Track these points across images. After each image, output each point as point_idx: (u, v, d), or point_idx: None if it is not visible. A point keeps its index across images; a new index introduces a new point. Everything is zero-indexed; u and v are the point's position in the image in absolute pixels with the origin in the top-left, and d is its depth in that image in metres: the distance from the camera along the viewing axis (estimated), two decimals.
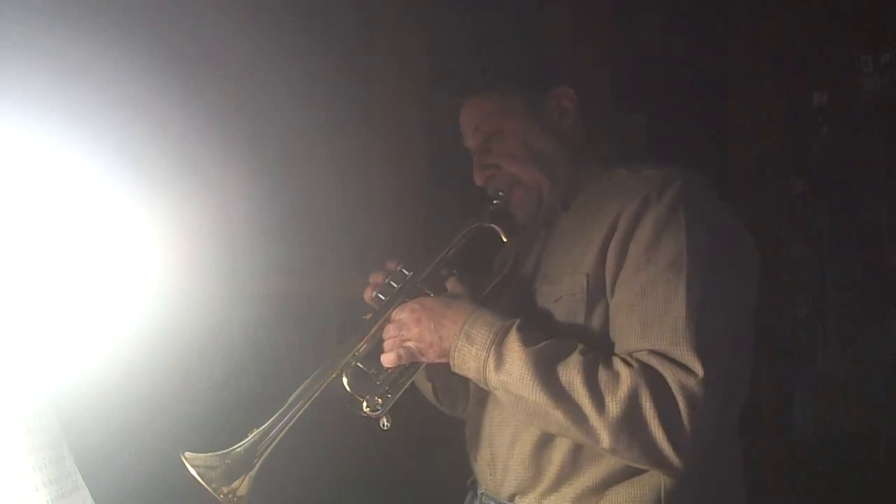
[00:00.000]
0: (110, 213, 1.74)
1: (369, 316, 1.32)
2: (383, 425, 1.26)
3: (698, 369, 1.07)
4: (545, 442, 1.22)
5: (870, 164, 2.11)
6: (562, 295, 1.25)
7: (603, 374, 1.10)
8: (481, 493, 1.36)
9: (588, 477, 1.19)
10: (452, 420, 1.54)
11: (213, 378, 2.06)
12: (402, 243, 2.20)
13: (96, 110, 1.77)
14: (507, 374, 1.14)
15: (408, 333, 1.25)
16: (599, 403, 1.08)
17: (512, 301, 1.36)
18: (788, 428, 2.13)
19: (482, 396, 1.35)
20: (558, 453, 1.21)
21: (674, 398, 1.06)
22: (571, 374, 1.11)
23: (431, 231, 2.19)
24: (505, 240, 1.39)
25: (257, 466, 1.16)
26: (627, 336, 1.15)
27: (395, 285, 1.34)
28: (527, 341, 1.15)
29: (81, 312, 1.62)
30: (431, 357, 1.25)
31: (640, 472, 1.15)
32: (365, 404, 1.25)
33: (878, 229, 2.09)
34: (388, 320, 1.29)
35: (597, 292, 1.21)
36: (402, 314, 1.28)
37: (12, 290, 1.19)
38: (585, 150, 1.39)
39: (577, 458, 1.19)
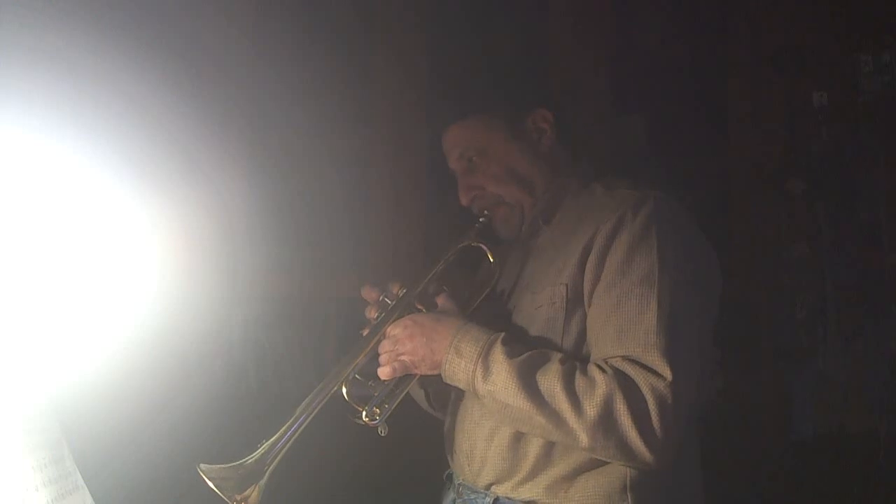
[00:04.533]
0: (110, 214, 1.74)
1: (366, 331, 1.41)
2: (381, 432, 1.35)
3: (667, 373, 1.18)
4: (521, 435, 1.31)
5: (870, 164, 2.11)
6: (543, 303, 1.36)
7: (580, 381, 1.21)
8: (458, 484, 1.44)
9: (560, 467, 1.29)
10: (426, 420, 1.62)
11: (213, 378, 2.06)
12: (402, 244, 2.20)
13: (96, 110, 1.78)
14: (493, 384, 1.24)
15: (402, 348, 1.35)
16: (577, 407, 1.19)
17: (498, 311, 1.45)
18: (788, 428, 2.13)
19: (462, 394, 1.43)
20: (533, 446, 1.30)
21: (644, 400, 1.17)
22: (552, 381, 1.21)
23: (431, 232, 2.18)
24: (491, 258, 1.49)
25: (267, 475, 1.23)
26: (604, 343, 1.26)
27: (389, 302, 1.43)
28: (510, 353, 1.25)
29: (82, 312, 1.62)
30: (424, 369, 1.34)
31: (607, 462, 1.26)
32: (364, 414, 1.34)
33: (878, 229, 2.09)
34: (384, 336, 1.38)
35: (575, 301, 1.32)
36: (396, 330, 1.37)
37: (13, 291, 1.19)
38: (565, 168, 1.50)
39: (549, 450, 1.29)
